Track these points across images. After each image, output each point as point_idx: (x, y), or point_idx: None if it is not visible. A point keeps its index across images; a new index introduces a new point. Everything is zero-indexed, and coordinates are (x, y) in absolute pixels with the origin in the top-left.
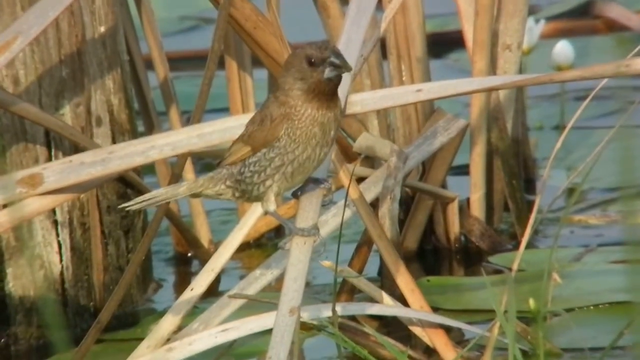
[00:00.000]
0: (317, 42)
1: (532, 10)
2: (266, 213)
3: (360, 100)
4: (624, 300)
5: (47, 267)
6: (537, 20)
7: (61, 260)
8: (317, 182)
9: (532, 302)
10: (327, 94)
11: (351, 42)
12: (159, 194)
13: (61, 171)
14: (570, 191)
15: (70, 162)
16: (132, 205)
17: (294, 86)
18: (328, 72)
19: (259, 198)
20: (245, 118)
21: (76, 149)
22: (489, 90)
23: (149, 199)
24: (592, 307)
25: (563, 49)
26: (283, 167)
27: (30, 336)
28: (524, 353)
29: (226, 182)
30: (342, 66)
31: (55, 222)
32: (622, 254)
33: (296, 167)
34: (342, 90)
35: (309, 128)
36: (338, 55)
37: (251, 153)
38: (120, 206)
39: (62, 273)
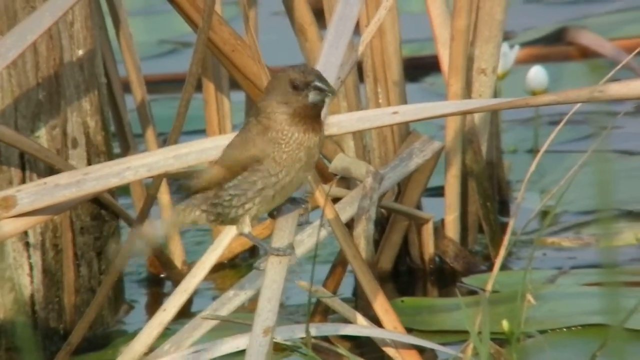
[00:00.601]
0: (299, 65)
1: (507, 36)
2: (240, 234)
3: (337, 122)
4: (597, 323)
5: (18, 289)
6: (511, 46)
7: (32, 282)
8: (295, 202)
9: (505, 324)
10: (311, 117)
11: (329, 65)
12: (141, 245)
13: (35, 193)
14: (543, 214)
15: (45, 184)
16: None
17: (277, 110)
18: (312, 96)
19: (234, 221)
20: (222, 139)
21: (51, 171)
22: (465, 114)
23: (133, 252)
24: (565, 329)
25: (537, 74)
26: (264, 191)
27: None
28: None
29: (201, 207)
30: (326, 90)
31: (27, 244)
32: (595, 276)
33: (278, 190)
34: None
35: (295, 152)
36: (322, 79)
37: (230, 177)
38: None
39: (32, 295)
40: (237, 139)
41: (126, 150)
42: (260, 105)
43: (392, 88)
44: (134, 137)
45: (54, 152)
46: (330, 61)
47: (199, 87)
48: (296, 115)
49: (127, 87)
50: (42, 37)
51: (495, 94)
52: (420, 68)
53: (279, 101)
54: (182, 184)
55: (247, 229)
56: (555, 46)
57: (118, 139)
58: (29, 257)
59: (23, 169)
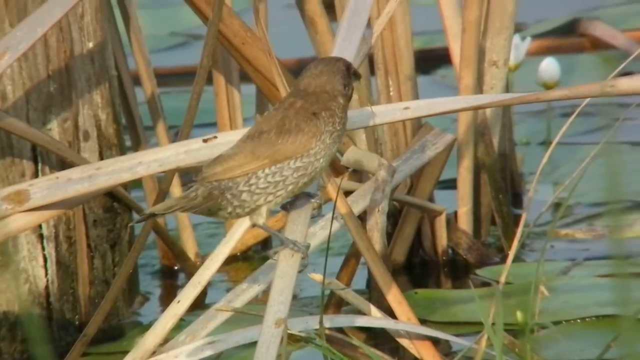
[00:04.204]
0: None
1: (518, 28)
2: (254, 226)
3: (348, 117)
4: (611, 314)
5: (32, 281)
6: (523, 38)
7: (46, 274)
8: (307, 195)
9: (519, 315)
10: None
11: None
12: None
13: (48, 187)
14: (556, 206)
15: (57, 178)
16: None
17: (340, 93)
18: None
19: (252, 211)
20: (234, 134)
21: (63, 164)
22: (476, 109)
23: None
24: (579, 320)
25: (549, 66)
26: (303, 177)
27: (15, 350)
28: None
29: (225, 195)
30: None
31: (41, 236)
32: (608, 268)
33: (312, 177)
34: None
35: (340, 137)
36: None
37: (269, 164)
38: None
39: (47, 287)
40: (281, 124)
41: (137, 143)
42: (320, 85)
43: (403, 81)
44: (145, 130)
45: (66, 144)
46: (343, 55)
47: (209, 80)
48: (348, 100)
49: (137, 81)
50: (53, 29)
51: (507, 86)
52: (431, 60)
53: (341, 84)
54: (201, 173)
55: (261, 220)
56: (567, 38)
57: (129, 132)
58: (42, 249)
59: (35, 162)
